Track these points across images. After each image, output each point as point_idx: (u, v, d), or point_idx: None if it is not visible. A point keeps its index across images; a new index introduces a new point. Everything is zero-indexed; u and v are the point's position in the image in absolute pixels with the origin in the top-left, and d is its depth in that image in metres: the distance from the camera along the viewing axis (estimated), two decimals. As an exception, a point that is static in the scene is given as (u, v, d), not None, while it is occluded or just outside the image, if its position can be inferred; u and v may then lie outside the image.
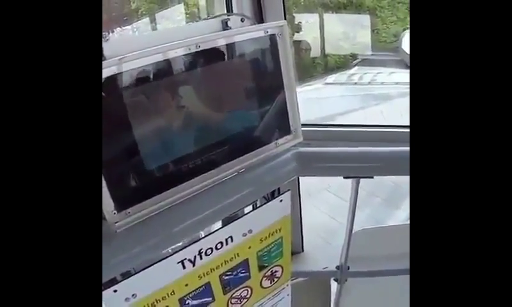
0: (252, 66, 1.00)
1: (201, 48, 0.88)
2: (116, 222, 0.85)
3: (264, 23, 1.00)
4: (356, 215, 1.30)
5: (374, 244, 1.43)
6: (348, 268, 1.41)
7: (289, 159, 1.02)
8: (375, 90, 6.37)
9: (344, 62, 6.57)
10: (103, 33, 0.80)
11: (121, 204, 0.85)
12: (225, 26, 1.02)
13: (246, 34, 0.95)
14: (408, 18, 6.71)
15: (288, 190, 1.06)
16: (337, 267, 1.42)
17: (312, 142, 1.17)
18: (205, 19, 1.08)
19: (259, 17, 1.18)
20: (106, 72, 0.79)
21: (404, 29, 6.33)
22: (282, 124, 1.07)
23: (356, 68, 6.63)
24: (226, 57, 0.95)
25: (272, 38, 1.00)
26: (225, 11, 1.38)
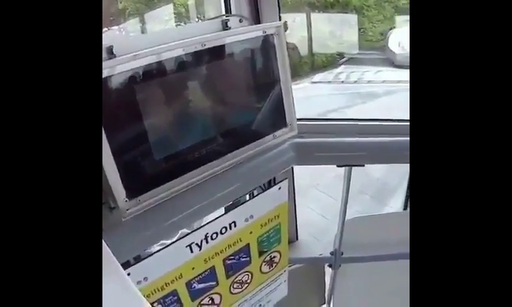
0: (251, 63, 1.08)
1: (206, 47, 0.95)
2: (127, 210, 0.91)
3: (262, 24, 1.07)
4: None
5: (366, 231, 1.51)
6: (342, 254, 1.49)
7: (287, 149, 1.10)
8: (362, 88, 6.46)
9: (330, 61, 6.63)
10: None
11: (133, 192, 0.91)
12: (225, 26, 1.09)
13: (246, 34, 1.02)
14: (394, 17, 6.82)
15: (286, 178, 1.13)
16: (331, 253, 1.50)
17: (305, 135, 1.25)
18: (207, 20, 1.15)
19: (256, 17, 1.25)
20: (120, 68, 0.86)
21: (391, 28, 6.43)
22: (279, 118, 1.14)
23: (343, 66, 6.70)
24: (228, 55, 1.02)
25: (270, 37, 1.07)
26: (222, 12, 1.44)
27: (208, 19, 1.14)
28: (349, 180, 1.24)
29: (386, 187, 4.99)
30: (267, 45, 1.08)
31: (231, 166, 1.04)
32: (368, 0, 6.41)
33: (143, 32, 5.08)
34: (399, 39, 7.23)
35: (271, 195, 1.11)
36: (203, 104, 1.00)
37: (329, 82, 6.46)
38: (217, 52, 0.99)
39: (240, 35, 1.02)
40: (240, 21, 1.15)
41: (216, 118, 1.03)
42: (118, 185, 0.89)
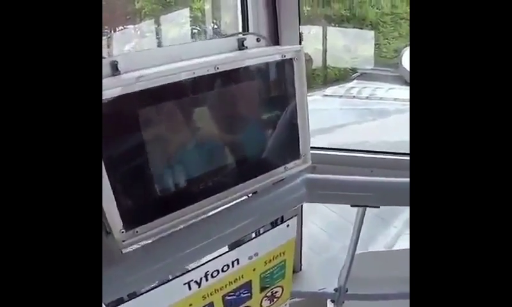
0: (267, 89, 1.00)
1: (219, 70, 0.88)
2: (123, 241, 0.84)
3: (281, 47, 1.00)
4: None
5: (373, 268, 1.43)
6: (347, 291, 1.41)
7: (298, 185, 1.02)
8: (373, 105, 6.40)
9: (343, 75, 6.60)
10: (105, 31, 0.79)
11: (130, 223, 0.84)
12: (241, 45, 1.02)
13: (263, 58, 0.95)
14: (410, 35, 6.77)
15: (295, 215, 1.05)
16: (336, 289, 1.42)
17: (318, 166, 1.17)
18: (221, 37, 1.08)
19: (275, 36, 1.18)
20: (122, 90, 0.79)
21: (406, 45, 6.37)
22: (292, 148, 1.06)
23: (355, 81, 6.65)
24: (242, 79, 0.95)
25: (289, 61, 1.00)
26: (238, 19, 1.36)
27: (224, 36, 1.07)
28: (362, 220, 1.16)
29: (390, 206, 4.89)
30: (285, 69, 1.00)
31: (238, 200, 0.96)
32: (385, 17, 6.35)
33: (157, 34, 5.07)
34: (414, 57, 7.16)
35: (278, 232, 1.03)
36: (212, 131, 0.93)
37: (340, 96, 6.41)
38: (231, 75, 0.92)
39: (257, 58, 0.94)
40: (258, 40, 1.07)
41: (224, 146, 0.95)
42: (115, 215, 0.82)
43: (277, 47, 1.04)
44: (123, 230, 0.83)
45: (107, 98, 0.77)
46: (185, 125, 0.88)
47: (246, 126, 0.99)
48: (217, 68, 0.87)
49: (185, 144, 0.89)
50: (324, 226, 4.53)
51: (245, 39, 1.03)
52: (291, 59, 1.00)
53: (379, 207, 1.09)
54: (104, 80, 0.81)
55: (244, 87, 0.96)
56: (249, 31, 1.18)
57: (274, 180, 1.03)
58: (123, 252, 0.85)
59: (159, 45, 4.98)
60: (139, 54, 0.94)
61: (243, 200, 0.96)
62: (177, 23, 5.56)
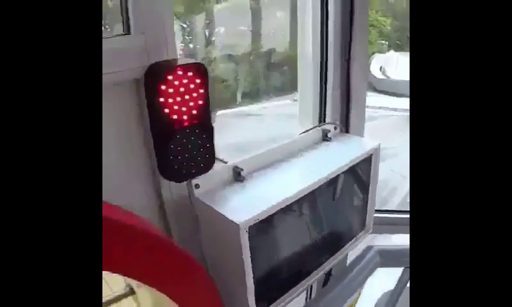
0: (354, 179, 1.20)
1: (329, 179, 1.05)
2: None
3: (367, 145, 1.18)
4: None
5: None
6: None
7: (374, 256, 1.24)
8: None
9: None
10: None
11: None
12: (325, 136, 1.22)
13: (356, 159, 1.13)
14: (378, 42, 7.02)
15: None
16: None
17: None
18: (306, 131, 1.24)
19: (345, 122, 1.35)
20: (269, 211, 0.91)
21: (373, 53, 6.63)
22: (361, 222, 1.28)
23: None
24: (340, 177, 1.14)
25: (370, 156, 1.19)
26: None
27: (308, 130, 1.23)
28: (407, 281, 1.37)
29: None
30: (366, 161, 1.19)
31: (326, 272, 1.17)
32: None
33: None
34: (381, 64, 7.47)
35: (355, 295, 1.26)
36: (318, 222, 1.12)
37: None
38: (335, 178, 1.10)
39: (353, 161, 1.12)
40: (335, 128, 1.27)
41: (323, 232, 1.15)
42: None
43: (362, 145, 1.20)
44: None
45: (260, 218, 0.88)
46: (301, 226, 1.07)
47: (337, 211, 1.19)
48: (328, 178, 1.04)
49: (301, 236, 1.08)
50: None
51: (329, 131, 1.22)
52: (371, 154, 1.20)
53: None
54: (233, 187, 0.98)
55: (342, 184, 1.16)
56: (327, 121, 1.34)
57: (349, 250, 1.24)
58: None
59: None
60: (254, 158, 1.08)
61: (334, 278, 1.16)
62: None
